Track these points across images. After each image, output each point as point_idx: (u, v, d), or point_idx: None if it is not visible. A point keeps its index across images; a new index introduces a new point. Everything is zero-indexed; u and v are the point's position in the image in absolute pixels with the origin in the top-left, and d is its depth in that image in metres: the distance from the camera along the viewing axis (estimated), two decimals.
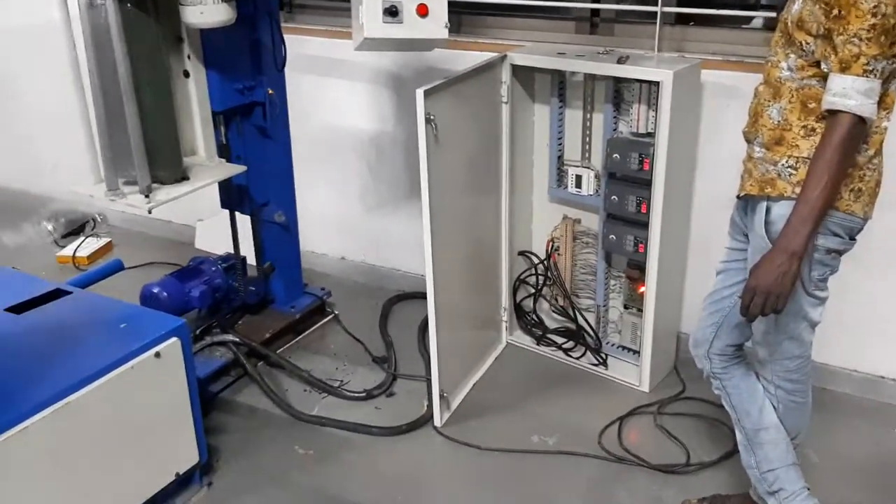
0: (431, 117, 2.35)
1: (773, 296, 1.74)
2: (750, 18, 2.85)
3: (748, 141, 1.92)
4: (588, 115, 2.82)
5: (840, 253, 1.86)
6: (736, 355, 2.12)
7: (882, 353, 2.76)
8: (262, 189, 3.03)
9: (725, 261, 2.09)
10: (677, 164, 2.60)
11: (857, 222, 1.82)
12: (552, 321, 3.14)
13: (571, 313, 3.02)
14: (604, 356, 2.96)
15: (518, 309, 3.15)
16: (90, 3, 2.33)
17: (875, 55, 1.62)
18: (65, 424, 1.94)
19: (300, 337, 3.23)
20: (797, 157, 1.78)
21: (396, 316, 3.38)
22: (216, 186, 2.89)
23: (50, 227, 4.12)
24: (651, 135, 2.61)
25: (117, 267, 2.79)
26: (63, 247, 3.99)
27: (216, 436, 2.61)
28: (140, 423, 2.14)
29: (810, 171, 1.70)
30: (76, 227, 4.16)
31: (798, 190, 1.74)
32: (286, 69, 2.87)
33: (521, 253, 3.09)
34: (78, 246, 3.95)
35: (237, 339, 2.90)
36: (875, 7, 1.59)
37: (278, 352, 3.05)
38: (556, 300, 3.10)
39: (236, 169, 2.79)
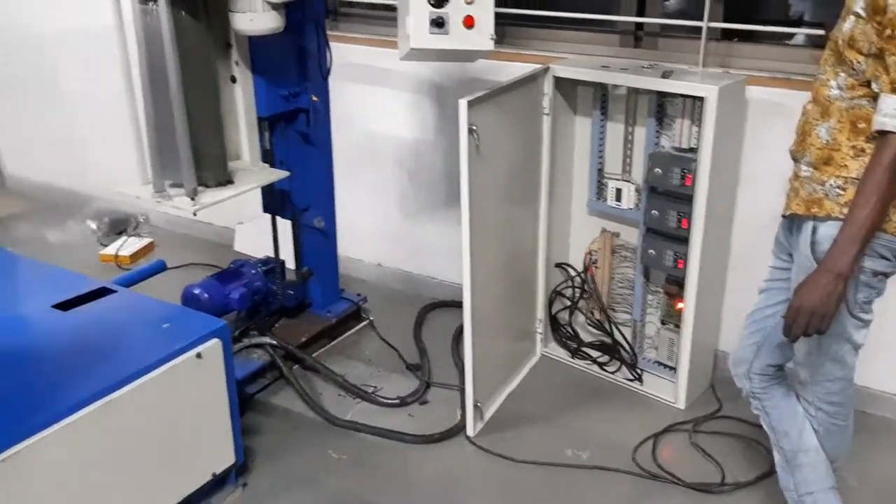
0: (474, 128, 2.37)
1: (818, 316, 1.72)
2: (795, 35, 2.82)
3: (795, 160, 1.90)
4: (630, 129, 2.81)
5: (887, 276, 1.83)
6: (777, 375, 2.10)
7: None
8: (304, 194, 3.06)
9: (768, 279, 2.07)
10: (720, 180, 2.58)
11: None
12: (587, 334, 3.13)
13: (607, 327, 3.00)
14: (639, 371, 2.94)
15: (553, 321, 3.14)
16: (144, 8, 2.38)
17: None
18: (107, 421, 1.97)
19: (335, 341, 3.26)
20: (845, 178, 1.75)
21: (431, 324, 3.39)
22: (257, 191, 2.93)
23: (94, 226, 4.20)
24: (694, 150, 2.59)
25: (160, 267, 2.85)
26: (106, 245, 4.07)
27: (251, 437, 2.64)
28: (179, 422, 2.17)
29: (859, 192, 1.68)
30: (119, 227, 4.24)
31: (846, 210, 1.72)
32: (330, 76, 2.90)
33: (558, 265, 3.08)
34: (121, 245, 4.03)
35: (274, 342, 2.94)
36: None
37: (314, 356, 3.08)
38: (592, 313, 3.09)
39: (279, 174, 2.82)
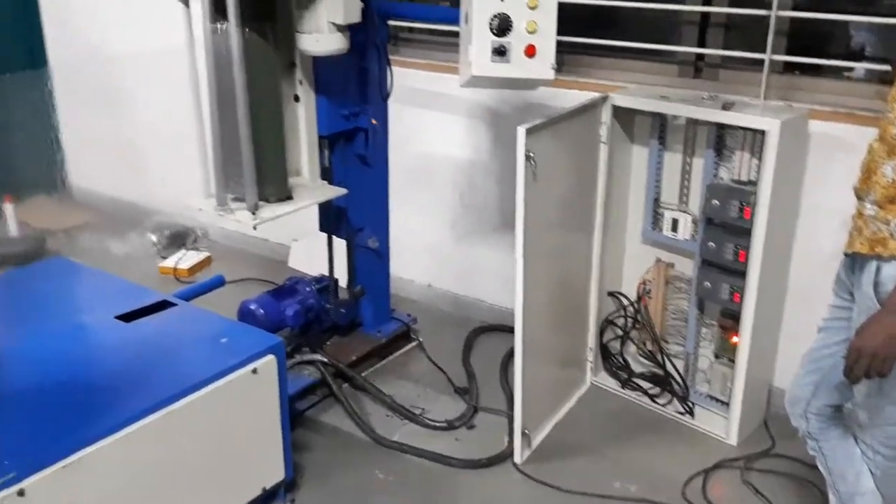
0: (531, 154, 2.38)
1: (880, 358, 1.69)
2: (858, 69, 2.78)
3: (859, 198, 1.87)
4: (688, 159, 2.79)
5: None
6: (834, 416, 2.06)
7: None
8: (359, 214, 3.10)
9: (828, 318, 2.03)
10: (779, 214, 2.55)
11: None
12: (639, 365, 3.10)
13: (659, 358, 2.97)
14: (691, 405, 2.90)
15: (604, 350, 3.12)
16: (214, 27, 2.46)
17: None
18: (163, 433, 2.02)
19: (384, 361, 3.28)
20: None
21: (479, 347, 3.40)
22: (314, 209, 2.98)
23: (154, 239, 4.31)
24: (753, 182, 2.57)
25: (219, 282, 2.91)
26: (165, 258, 4.17)
27: (300, 453, 2.67)
28: (233, 435, 2.21)
29: None
30: (179, 240, 4.34)
31: None
32: (388, 102, 2.95)
33: (611, 294, 3.07)
34: (179, 258, 4.13)
35: (326, 360, 2.98)
36: None
37: (363, 375, 3.11)
38: (644, 344, 3.06)
39: (337, 191, 2.86)
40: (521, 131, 2.34)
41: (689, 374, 2.95)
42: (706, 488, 2.56)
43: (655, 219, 2.92)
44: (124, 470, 1.95)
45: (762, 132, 2.45)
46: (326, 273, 3.18)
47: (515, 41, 2.29)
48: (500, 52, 2.28)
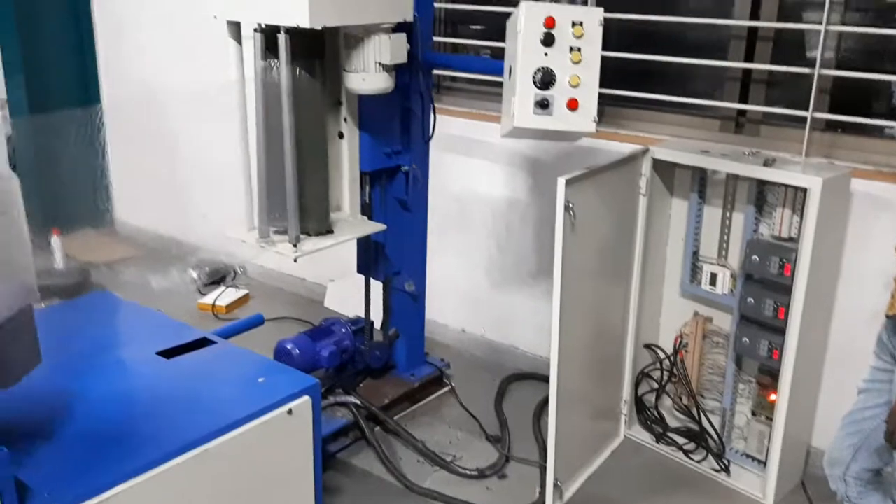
0: (570, 205, 2.40)
1: None
2: None
3: None
4: (728, 214, 2.79)
5: None
6: (874, 480, 2.02)
7: None
8: (397, 258, 3.14)
9: (869, 380, 2.00)
10: (820, 272, 2.52)
11: None
12: (674, 419, 3.06)
13: (695, 414, 2.93)
14: (726, 462, 2.85)
15: (639, 403, 3.09)
16: (265, 64, 2.53)
17: None
18: (198, 472, 2.03)
19: (417, 405, 3.28)
20: None
21: (512, 395, 3.38)
22: (352, 250, 3.01)
23: (195, 275, 4.38)
24: (794, 240, 2.55)
25: (258, 321, 2.95)
26: (205, 294, 4.24)
27: (330, 496, 2.67)
28: (266, 475, 2.22)
29: None
30: (218, 277, 4.41)
31: None
32: (429, 145, 3.00)
33: (647, 346, 3.04)
34: (218, 295, 4.19)
35: (359, 402, 2.99)
36: None
37: (395, 418, 3.11)
38: (680, 398, 3.02)
39: (377, 227, 2.90)
40: (560, 182, 2.37)
41: (725, 430, 2.91)
42: None
43: (694, 272, 2.90)
44: None
45: (804, 189, 2.44)
46: (362, 314, 3.21)
47: (558, 94, 2.32)
48: (542, 104, 2.31)
